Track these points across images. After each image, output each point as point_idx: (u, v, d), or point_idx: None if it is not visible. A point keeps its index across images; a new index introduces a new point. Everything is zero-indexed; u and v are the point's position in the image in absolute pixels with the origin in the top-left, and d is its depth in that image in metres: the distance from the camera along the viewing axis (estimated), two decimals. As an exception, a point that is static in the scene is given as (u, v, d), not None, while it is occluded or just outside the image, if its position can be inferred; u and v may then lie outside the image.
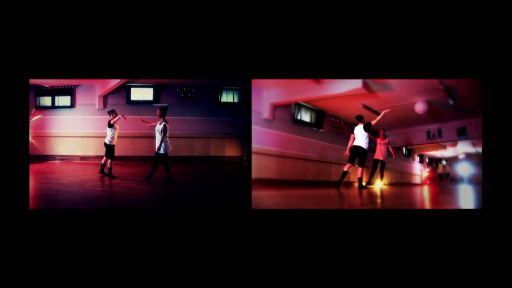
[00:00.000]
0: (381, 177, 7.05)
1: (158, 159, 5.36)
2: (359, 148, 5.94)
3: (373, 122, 5.85)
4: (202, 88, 7.14)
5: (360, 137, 5.95)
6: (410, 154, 10.68)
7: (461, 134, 7.48)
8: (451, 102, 5.81)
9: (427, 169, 11.32)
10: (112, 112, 5.58)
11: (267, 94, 5.93)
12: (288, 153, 6.35)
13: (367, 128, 5.90)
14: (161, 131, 5.25)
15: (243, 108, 6.00)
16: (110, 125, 5.56)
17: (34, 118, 6.75)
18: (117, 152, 5.67)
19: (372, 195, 5.55)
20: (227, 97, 7.23)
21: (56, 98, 6.98)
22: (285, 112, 6.42)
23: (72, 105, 7.01)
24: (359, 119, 6.02)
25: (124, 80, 6.52)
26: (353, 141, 6.02)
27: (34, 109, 6.83)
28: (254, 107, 4.62)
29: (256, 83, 4.81)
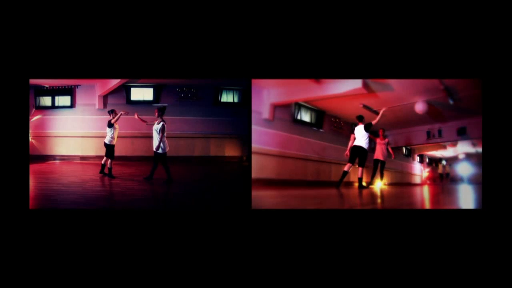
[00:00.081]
0: (381, 177, 7.05)
1: (157, 159, 5.38)
2: (359, 148, 5.95)
3: (373, 122, 5.87)
4: (202, 88, 7.14)
5: (360, 137, 5.96)
6: (410, 154, 10.67)
7: (461, 134, 7.48)
8: (451, 102, 5.81)
9: (427, 169, 11.31)
10: (112, 112, 5.58)
11: (267, 94, 5.93)
12: (288, 153, 6.35)
13: (367, 128, 5.91)
14: (159, 131, 5.27)
15: (243, 108, 6.00)
16: (110, 125, 5.56)
17: (34, 118, 6.74)
18: (117, 152, 5.67)
19: (372, 195, 5.55)
20: (227, 97, 7.23)
21: (56, 98, 6.97)
22: (285, 112, 6.42)
23: (72, 105, 7.01)
24: (360, 119, 6.03)
25: (124, 80, 6.52)
26: (353, 141, 6.03)
27: (34, 109, 6.83)
28: (254, 107, 4.61)
29: (256, 83, 4.81)
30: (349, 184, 6.79)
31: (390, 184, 8.51)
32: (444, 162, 10.99)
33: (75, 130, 6.96)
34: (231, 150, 7.15)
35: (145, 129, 5.76)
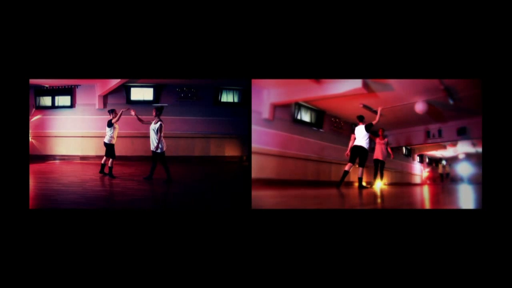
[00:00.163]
0: (381, 177, 7.05)
1: (155, 158, 5.39)
2: (360, 147, 5.95)
3: (374, 122, 5.88)
4: (202, 88, 7.14)
5: (361, 137, 5.97)
6: (410, 154, 10.67)
7: (461, 134, 7.48)
8: (451, 102, 5.81)
9: (427, 169, 11.31)
10: (112, 112, 5.58)
11: (267, 94, 5.93)
12: (288, 153, 6.35)
13: (368, 128, 5.92)
14: (157, 130, 5.29)
15: (243, 108, 6.00)
16: (110, 125, 5.56)
17: (34, 118, 6.75)
18: (117, 152, 5.67)
19: (372, 195, 5.55)
20: (227, 97, 7.23)
21: (56, 98, 6.98)
22: (285, 112, 6.42)
23: (72, 105, 7.02)
24: (360, 119, 6.04)
25: (124, 80, 6.52)
26: (353, 141, 6.04)
27: (34, 109, 6.83)
28: (254, 107, 4.62)
29: (256, 83, 4.81)
30: (349, 184, 6.79)
31: (390, 184, 8.51)
32: (444, 162, 10.99)
33: (75, 130, 6.96)
34: (231, 150, 7.16)
35: (145, 129, 5.76)
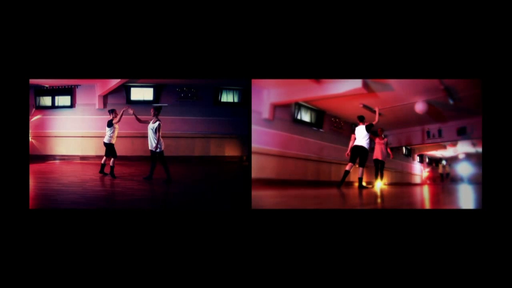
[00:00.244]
0: (381, 177, 7.05)
1: (154, 158, 5.40)
2: (360, 147, 5.96)
3: (374, 122, 5.90)
4: (202, 88, 7.14)
5: (361, 137, 5.97)
6: (410, 154, 10.67)
7: (461, 134, 7.48)
8: (451, 102, 5.81)
9: (427, 169, 11.31)
10: (112, 112, 5.58)
11: (267, 94, 5.93)
12: (288, 153, 6.35)
13: (369, 128, 5.94)
14: (155, 130, 5.30)
15: (243, 108, 5.99)
16: (110, 125, 5.56)
17: (34, 118, 6.74)
18: (117, 152, 5.67)
19: (372, 195, 5.55)
20: (227, 97, 7.23)
21: (56, 98, 6.97)
22: (285, 112, 6.42)
23: (72, 105, 7.01)
24: (361, 119, 6.04)
25: (124, 80, 6.52)
26: (354, 141, 6.05)
27: (34, 109, 6.83)
28: (254, 107, 4.61)
29: (256, 83, 4.81)
30: (349, 184, 6.79)
31: (390, 184, 8.51)
32: (444, 162, 10.98)
33: (75, 130, 6.96)
34: (231, 150, 7.15)
35: (145, 129, 5.76)
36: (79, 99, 7.02)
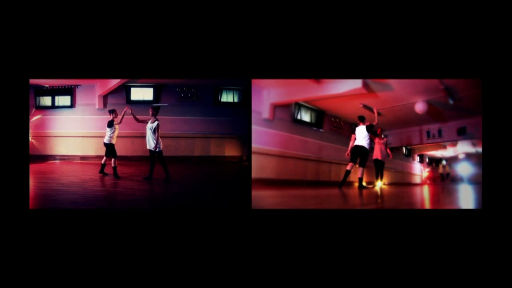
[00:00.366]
0: (381, 177, 7.06)
1: (153, 157, 5.40)
2: (361, 147, 5.97)
3: (374, 123, 5.91)
4: (202, 88, 7.14)
5: (362, 137, 5.98)
6: (410, 154, 10.67)
7: (461, 134, 7.48)
8: (451, 102, 5.81)
9: (427, 169, 11.31)
10: (112, 112, 5.58)
11: (267, 94, 5.93)
12: (288, 153, 6.35)
13: (369, 129, 5.95)
14: (154, 130, 5.30)
15: (243, 108, 6.00)
16: (110, 125, 5.56)
17: (34, 118, 6.75)
18: (117, 152, 5.67)
19: (372, 195, 5.55)
20: (227, 97, 7.23)
21: (56, 98, 6.97)
22: (285, 112, 6.42)
23: (72, 105, 7.01)
24: (361, 119, 6.05)
25: (124, 80, 6.52)
26: (354, 141, 6.05)
27: (34, 109, 6.83)
28: (254, 107, 4.62)
29: (256, 83, 4.81)
30: (349, 184, 6.79)
31: (390, 184, 8.51)
32: (444, 162, 10.99)
33: (75, 130, 6.96)
34: (231, 150, 7.16)
35: (144, 129, 5.77)
36: (79, 99, 7.02)
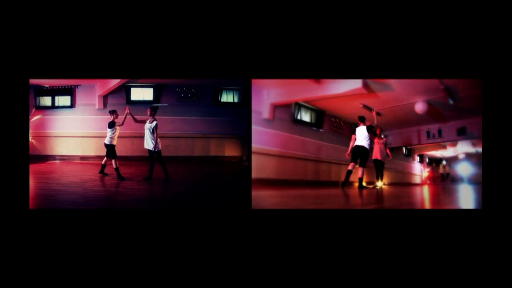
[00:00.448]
0: (381, 177, 7.05)
1: (152, 157, 5.41)
2: (361, 148, 5.98)
3: (374, 123, 5.93)
4: (202, 88, 7.14)
5: (362, 137, 5.99)
6: (410, 154, 10.66)
7: (461, 134, 7.48)
8: (451, 102, 5.81)
9: (427, 169, 11.30)
10: (113, 113, 5.58)
11: (267, 94, 5.93)
12: (288, 153, 6.35)
13: (370, 129, 5.96)
14: (152, 130, 5.31)
15: (243, 108, 5.99)
16: (111, 126, 5.56)
17: (34, 118, 6.74)
18: (117, 152, 5.66)
19: (372, 195, 5.55)
20: (227, 97, 7.23)
21: (56, 98, 6.97)
22: (285, 112, 6.42)
23: (72, 105, 7.01)
24: (361, 120, 6.05)
25: (124, 80, 6.51)
26: (354, 142, 6.06)
27: (34, 109, 6.83)
28: (254, 107, 4.61)
29: (256, 83, 4.81)
30: (349, 184, 6.79)
31: (390, 184, 8.51)
32: (444, 162, 10.98)
33: (75, 130, 6.96)
34: (231, 150, 7.15)
35: (144, 129, 5.77)
36: (79, 99, 7.01)
